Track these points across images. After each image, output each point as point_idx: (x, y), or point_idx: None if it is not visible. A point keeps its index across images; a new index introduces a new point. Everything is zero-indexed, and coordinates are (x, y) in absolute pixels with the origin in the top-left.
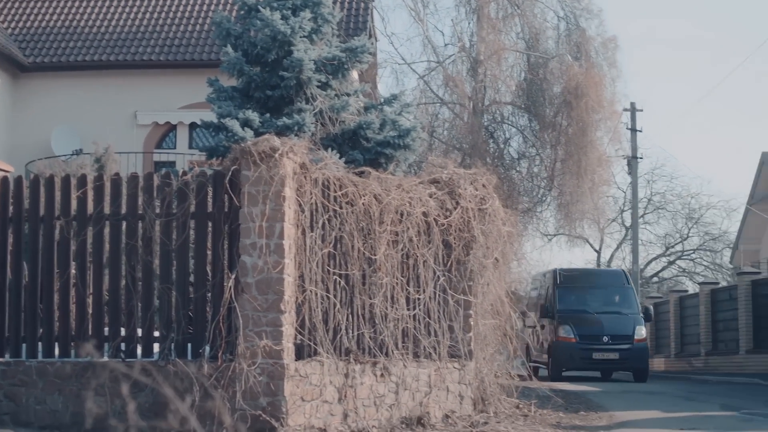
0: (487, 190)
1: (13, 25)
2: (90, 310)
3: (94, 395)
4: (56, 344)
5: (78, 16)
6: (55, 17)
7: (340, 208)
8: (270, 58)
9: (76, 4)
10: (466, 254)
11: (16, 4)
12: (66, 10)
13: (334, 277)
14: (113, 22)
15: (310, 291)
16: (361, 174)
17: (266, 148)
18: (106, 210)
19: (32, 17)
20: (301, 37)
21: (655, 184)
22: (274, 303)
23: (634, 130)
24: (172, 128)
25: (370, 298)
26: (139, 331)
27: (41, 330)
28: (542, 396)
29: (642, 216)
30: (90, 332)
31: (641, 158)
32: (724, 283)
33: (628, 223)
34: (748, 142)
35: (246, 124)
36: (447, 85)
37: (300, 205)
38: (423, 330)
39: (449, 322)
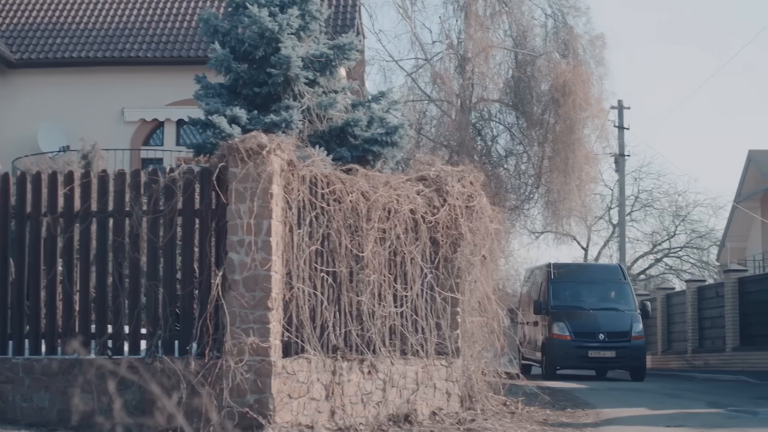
0: (475, 188)
1: None
2: (77, 307)
3: (80, 392)
4: (43, 341)
5: (65, 13)
6: (42, 13)
7: (328, 205)
8: (258, 55)
9: (63, 0)
10: (453, 251)
11: (3, 0)
12: (53, 6)
13: (322, 274)
14: (101, 19)
15: (298, 288)
16: (348, 171)
17: (254, 145)
18: (93, 207)
19: (19, 13)
20: (288, 34)
21: (642, 181)
22: (262, 300)
23: (621, 127)
24: (159, 125)
25: (358, 296)
26: (126, 328)
27: (28, 327)
28: (529, 393)
29: (629, 213)
30: (77, 329)
31: (628, 156)
32: (710, 281)
33: (615, 220)
34: (735, 139)
35: (233, 121)
36: (435, 83)
37: (287, 202)
38: (410, 327)
39: (436, 320)
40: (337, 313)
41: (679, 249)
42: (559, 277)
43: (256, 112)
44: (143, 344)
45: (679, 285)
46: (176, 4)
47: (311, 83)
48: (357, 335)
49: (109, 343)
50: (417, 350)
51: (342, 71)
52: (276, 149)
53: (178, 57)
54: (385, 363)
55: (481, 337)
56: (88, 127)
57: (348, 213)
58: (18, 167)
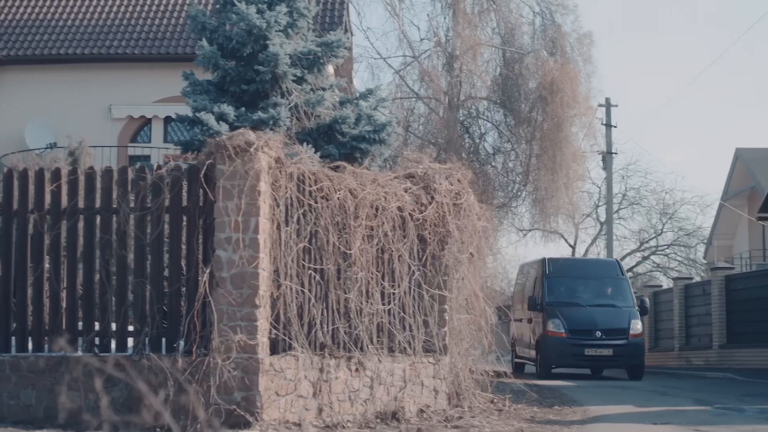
0: (462, 185)
1: None
2: (64, 305)
3: (67, 390)
4: (30, 338)
5: (52, 9)
6: (29, 10)
7: (315, 202)
8: (245, 52)
9: None
10: (441, 249)
11: None
12: (40, 3)
13: (309, 271)
14: (88, 15)
15: (285, 285)
16: (336, 168)
17: (241, 142)
18: (80, 204)
19: (6, 10)
20: (276, 31)
21: (629, 179)
22: (249, 298)
23: (608, 125)
24: (146, 122)
25: (345, 293)
26: (113, 326)
27: (14, 324)
28: (517, 391)
29: (617, 211)
30: (64, 326)
31: (616, 154)
32: (697, 279)
33: (602, 218)
34: (723, 138)
35: (221, 118)
36: (423, 80)
37: (275, 199)
38: (398, 325)
39: (424, 317)
40: (325, 310)
41: (666, 247)
42: (554, 272)
43: (243, 109)
44: (130, 341)
45: (666, 283)
46: (164, 1)
47: (299, 80)
48: (345, 333)
49: (96, 340)
50: (404, 348)
51: (330, 68)
52: (264, 146)
53: (166, 54)
54: (372, 360)
55: (469, 334)
56: (75, 124)
57: (336, 210)
58: (5, 164)
